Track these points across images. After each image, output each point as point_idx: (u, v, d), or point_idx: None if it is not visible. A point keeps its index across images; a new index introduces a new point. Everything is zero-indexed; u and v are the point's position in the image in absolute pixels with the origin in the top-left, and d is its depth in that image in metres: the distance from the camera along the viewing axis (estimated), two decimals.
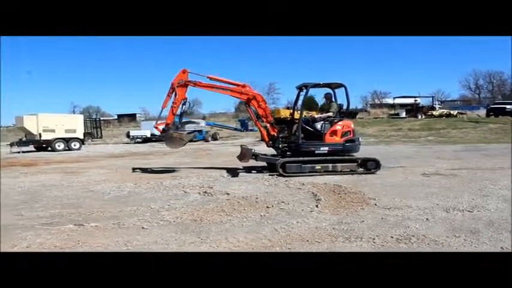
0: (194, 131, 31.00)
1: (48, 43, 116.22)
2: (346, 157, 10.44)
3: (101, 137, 31.93)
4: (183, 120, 14.58)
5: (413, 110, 45.95)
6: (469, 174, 9.81)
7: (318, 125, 10.65)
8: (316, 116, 11.16)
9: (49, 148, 24.81)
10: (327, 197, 7.20)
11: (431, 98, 52.17)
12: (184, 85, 10.90)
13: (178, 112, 11.34)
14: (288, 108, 34.25)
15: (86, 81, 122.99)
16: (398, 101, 58.99)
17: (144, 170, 12.21)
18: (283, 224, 5.56)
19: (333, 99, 11.18)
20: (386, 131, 32.00)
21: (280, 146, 10.89)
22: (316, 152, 10.27)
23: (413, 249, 4.47)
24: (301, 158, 10.16)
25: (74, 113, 57.80)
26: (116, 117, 70.13)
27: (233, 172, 10.91)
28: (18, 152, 23.14)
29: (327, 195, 7.41)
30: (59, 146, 24.93)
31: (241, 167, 11.52)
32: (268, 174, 10.35)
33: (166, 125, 11.20)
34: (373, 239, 4.83)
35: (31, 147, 25.42)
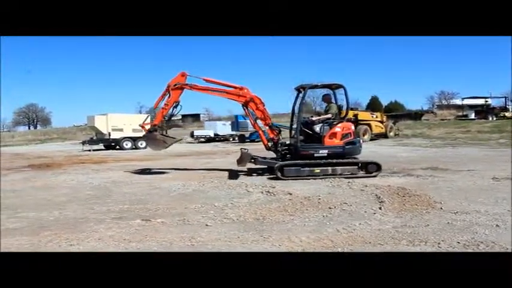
0: (254, 131, 31.34)
1: (116, 45, 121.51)
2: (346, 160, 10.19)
3: None
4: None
5: (483, 111, 43.84)
6: None
7: (317, 128, 10.40)
8: (314, 118, 10.91)
9: (117, 147, 25.89)
10: (390, 199, 7.06)
11: (503, 99, 49.54)
12: (180, 88, 10.92)
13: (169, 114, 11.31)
14: (352, 109, 33.68)
15: (151, 82, 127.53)
16: (467, 101, 56.40)
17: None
18: (346, 225, 5.53)
19: (332, 101, 10.96)
20: (453, 133, 30.76)
21: (279, 149, 10.70)
22: (316, 155, 10.03)
23: None
24: (300, 161, 9.98)
25: (140, 113, 59.86)
26: (180, 117, 71.71)
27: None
28: (89, 150, 24.35)
29: (390, 197, 7.26)
30: (126, 144, 25.96)
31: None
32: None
33: (153, 125, 11.28)
34: (438, 243, 4.69)
35: (101, 146, 26.63)
